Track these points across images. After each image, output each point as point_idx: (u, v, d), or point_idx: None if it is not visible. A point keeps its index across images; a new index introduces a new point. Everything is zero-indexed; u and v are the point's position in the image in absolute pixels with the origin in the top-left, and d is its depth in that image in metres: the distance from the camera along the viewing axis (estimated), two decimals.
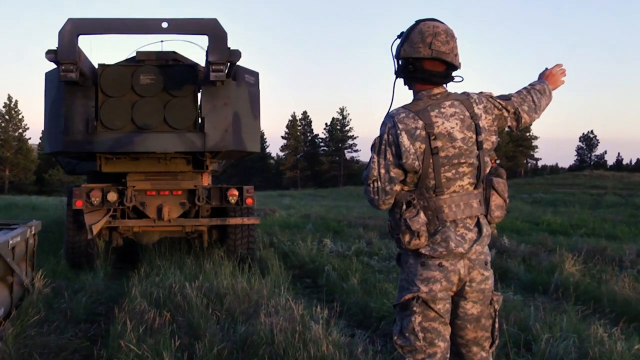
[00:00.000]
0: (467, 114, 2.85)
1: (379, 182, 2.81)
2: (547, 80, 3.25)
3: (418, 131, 2.77)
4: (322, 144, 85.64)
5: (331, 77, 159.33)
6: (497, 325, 2.92)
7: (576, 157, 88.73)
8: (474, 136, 2.85)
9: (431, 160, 2.77)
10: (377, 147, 2.83)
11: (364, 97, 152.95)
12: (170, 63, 8.10)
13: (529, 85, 3.20)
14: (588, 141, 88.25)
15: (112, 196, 8.23)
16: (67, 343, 5.05)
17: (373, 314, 6.00)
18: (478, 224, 2.87)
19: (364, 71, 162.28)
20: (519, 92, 3.12)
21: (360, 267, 8.31)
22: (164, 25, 6.07)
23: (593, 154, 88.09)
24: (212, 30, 6.26)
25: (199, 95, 8.02)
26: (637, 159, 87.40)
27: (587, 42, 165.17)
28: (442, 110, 2.82)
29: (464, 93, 2.95)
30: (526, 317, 5.46)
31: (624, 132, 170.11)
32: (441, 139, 2.78)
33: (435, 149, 2.77)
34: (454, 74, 2.91)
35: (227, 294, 6.00)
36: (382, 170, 2.80)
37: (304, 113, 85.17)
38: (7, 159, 65.40)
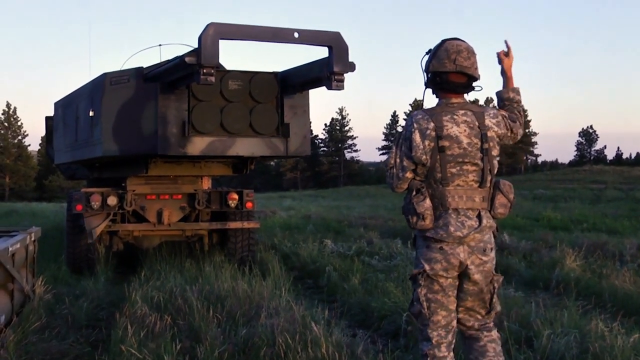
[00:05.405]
0: (477, 123, 3.35)
1: (395, 169, 3.39)
2: (510, 83, 3.59)
3: (429, 131, 3.31)
4: (321, 145, 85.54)
5: None
6: (494, 299, 3.44)
7: (576, 152, 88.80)
8: (480, 143, 3.33)
9: (438, 157, 3.30)
10: (396, 140, 3.45)
11: (363, 97, 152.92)
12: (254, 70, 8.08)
13: (515, 102, 3.56)
14: (587, 136, 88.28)
15: (112, 200, 8.24)
16: (69, 349, 5.05)
17: (374, 313, 6.00)
18: (479, 216, 3.34)
19: (362, 71, 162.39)
20: (516, 116, 3.53)
21: (361, 267, 8.31)
22: (296, 35, 6.20)
23: (593, 149, 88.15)
24: (336, 42, 6.38)
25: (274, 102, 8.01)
26: (637, 153, 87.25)
27: (585, 36, 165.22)
28: (455, 117, 3.34)
29: (481, 106, 3.50)
30: (527, 314, 5.45)
31: (624, 127, 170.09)
32: (448, 140, 3.30)
33: (442, 147, 3.29)
34: (474, 84, 3.43)
35: (228, 296, 6.00)
36: (397, 160, 3.39)
37: None
38: (7, 166, 65.35)
